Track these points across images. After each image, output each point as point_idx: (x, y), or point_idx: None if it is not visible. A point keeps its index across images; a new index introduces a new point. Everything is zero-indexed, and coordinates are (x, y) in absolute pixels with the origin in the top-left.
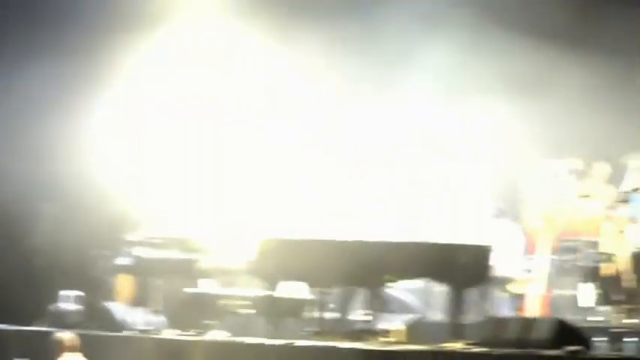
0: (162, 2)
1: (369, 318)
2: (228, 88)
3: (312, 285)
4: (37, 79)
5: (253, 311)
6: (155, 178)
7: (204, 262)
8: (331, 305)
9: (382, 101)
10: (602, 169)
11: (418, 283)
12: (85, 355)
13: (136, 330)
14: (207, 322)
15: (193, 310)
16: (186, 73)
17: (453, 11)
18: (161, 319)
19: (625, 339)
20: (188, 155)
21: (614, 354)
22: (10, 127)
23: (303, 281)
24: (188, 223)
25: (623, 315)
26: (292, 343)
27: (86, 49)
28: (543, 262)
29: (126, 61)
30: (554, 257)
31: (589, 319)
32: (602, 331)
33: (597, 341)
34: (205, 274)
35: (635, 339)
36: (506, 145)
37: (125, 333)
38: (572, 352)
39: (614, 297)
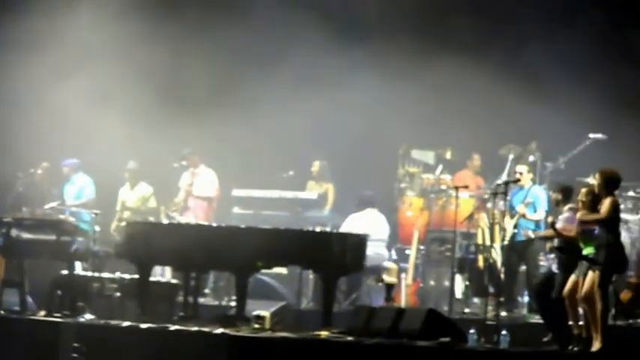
0: None
1: (239, 303)
2: None
3: (180, 269)
4: None
5: (123, 294)
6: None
7: (76, 245)
8: (205, 290)
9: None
10: (475, 159)
11: (290, 270)
12: None
13: (8, 311)
14: (78, 304)
15: (65, 292)
16: None
17: None
18: (31, 300)
19: (501, 332)
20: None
21: (488, 347)
22: None
23: (171, 265)
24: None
25: (496, 307)
26: (165, 327)
27: None
28: (412, 251)
29: None
30: (422, 247)
31: (463, 310)
32: (476, 323)
33: (471, 333)
34: (77, 257)
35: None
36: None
37: None
38: (444, 343)
39: (489, 289)
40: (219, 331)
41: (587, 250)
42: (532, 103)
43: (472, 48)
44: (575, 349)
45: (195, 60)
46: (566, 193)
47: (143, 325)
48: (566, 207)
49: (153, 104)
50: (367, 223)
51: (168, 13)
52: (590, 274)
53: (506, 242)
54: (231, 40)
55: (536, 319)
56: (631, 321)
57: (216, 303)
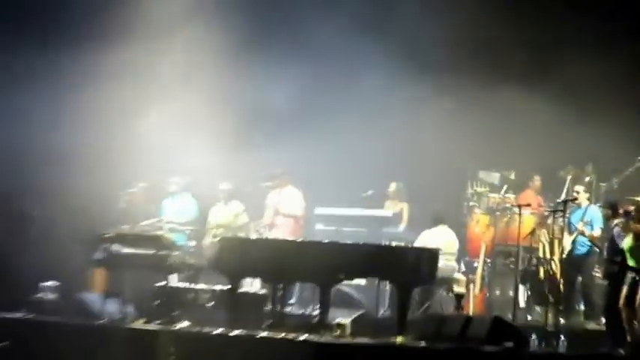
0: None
1: (322, 312)
2: None
3: (269, 281)
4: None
5: (215, 304)
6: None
7: (172, 258)
8: (291, 301)
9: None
10: (536, 180)
11: (368, 281)
12: (61, 343)
13: (109, 319)
14: (173, 313)
15: (161, 301)
16: None
17: None
18: (131, 309)
19: (560, 337)
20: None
21: (548, 350)
22: None
23: (260, 277)
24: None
25: (556, 315)
26: (254, 334)
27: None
28: (479, 264)
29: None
30: (489, 260)
31: (526, 318)
32: (537, 329)
33: (533, 339)
34: (173, 269)
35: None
36: (447, 155)
37: (99, 322)
38: (508, 348)
39: (549, 298)
40: (304, 337)
41: (632, 262)
42: (589, 128)
43: (532, 78)
44: (623, 352)
45: (279, 86)
46: (614, 209)
47: (233, 332)
48: (615, 222)
49: (239, 129)
50: (439, 239)
51: (253, 45)
52: None
53: (564, 256)
54: (311, 67)
55: (592, 325)
56: None
57: (301, 312)
